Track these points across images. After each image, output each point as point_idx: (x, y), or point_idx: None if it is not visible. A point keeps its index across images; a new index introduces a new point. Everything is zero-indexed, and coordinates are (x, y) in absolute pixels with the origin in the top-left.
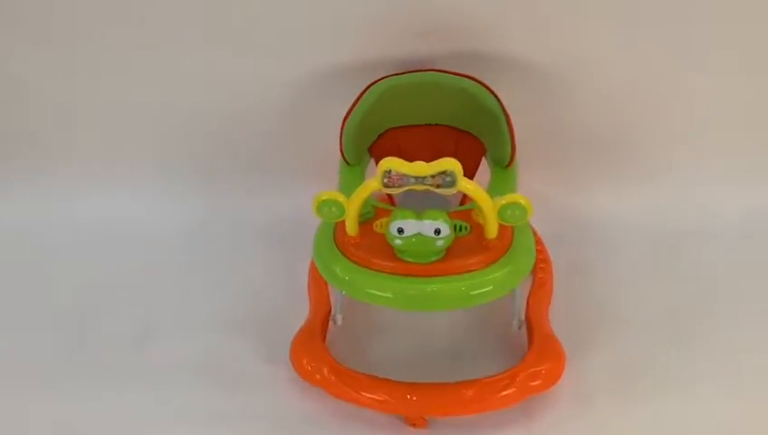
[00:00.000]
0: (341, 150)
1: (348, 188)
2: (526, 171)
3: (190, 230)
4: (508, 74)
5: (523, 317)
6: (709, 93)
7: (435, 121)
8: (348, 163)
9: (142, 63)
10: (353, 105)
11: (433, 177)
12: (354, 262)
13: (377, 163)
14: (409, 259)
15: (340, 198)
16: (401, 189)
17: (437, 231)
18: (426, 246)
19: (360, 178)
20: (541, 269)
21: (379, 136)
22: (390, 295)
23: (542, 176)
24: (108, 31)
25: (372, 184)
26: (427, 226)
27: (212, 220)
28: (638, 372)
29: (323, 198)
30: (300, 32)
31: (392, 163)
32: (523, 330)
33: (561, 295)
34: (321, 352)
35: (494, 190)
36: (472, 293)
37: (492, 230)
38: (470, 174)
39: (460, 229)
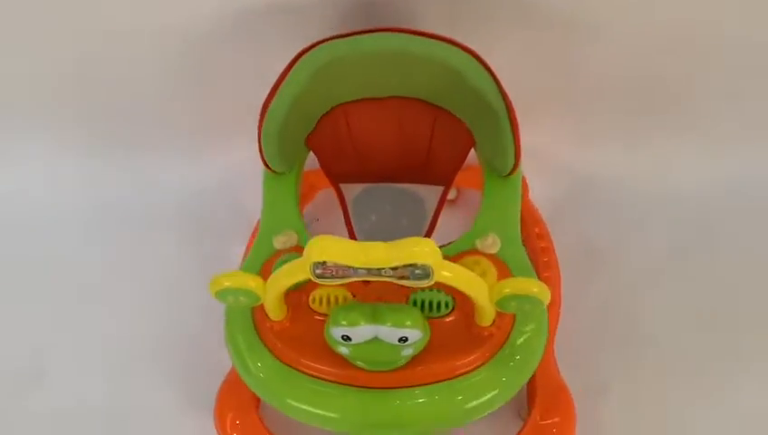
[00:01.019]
0: (262, 155)
1: (276, 213)
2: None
3: (84, 216)
4: (507, 14)
5: None
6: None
7: (401, 94)
8: (274, 171)
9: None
10: (276, 86)
11: (395, 268)
12: (280, 360)
13: (319, 160)
14: (364, 366)
15: (252, 282)
16: (344, 280)
17: (403, 338)
18: (385, 354)
19: (293, 193)
20: (545, 280)
21: (320, 119)
22: (335, 416)
23: (546, 131)
24: None
25: (299, 271)
26: (386, 332)
27: (113, 200)
28: (659, 421)
29: (224, 284)
30: None
31: (326, 249)
32: None
33: (565, 300)
34: (251, 418)
35: (487, 209)
36: (468, 406)
37: (486, 318)
38: (453, 168)
39: (438, 308)
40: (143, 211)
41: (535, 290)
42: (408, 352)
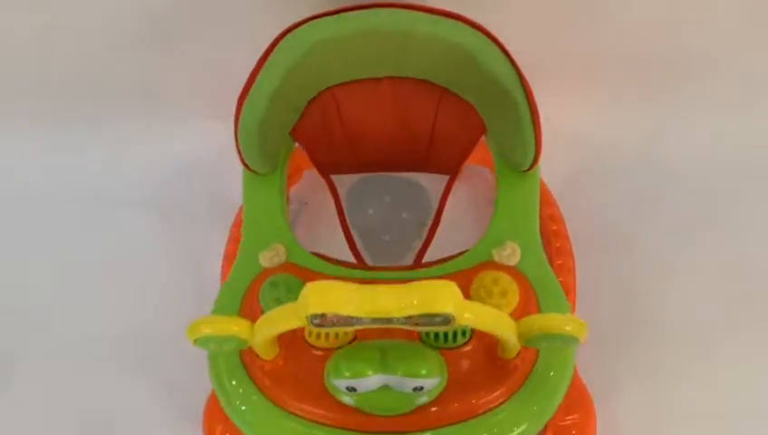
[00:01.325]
0: (240, 154)
1: (260, 223)
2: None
3: (51, 192)
4: None
5: None
6: None
7: (399, 74)
8: (253, 171)
9: None
10: (255, 71)
11: (408, 317)
12: (273, 402)
13: (307, 152)
14: (370, 411)
15: (236, 327)
16: (348, 329)
17: (418, 388)
18: (397, 402)
19: (278, 197)
20: (558, 267)
21: (306, 106)
22: None
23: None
24: None
25: (293, 319)
26: (397, 381)
27: (87, 186)
28: (678, 417)
29: (204, 332)
30: None
31: (325, 299)
32: None
33: (580, 289)
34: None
35: (503, 212)
36: None
37: (511, 352)
38: (461, 155)
39: (454, 337)
40: (116, 197)
41: (568, 329)
42: (422, 400)
